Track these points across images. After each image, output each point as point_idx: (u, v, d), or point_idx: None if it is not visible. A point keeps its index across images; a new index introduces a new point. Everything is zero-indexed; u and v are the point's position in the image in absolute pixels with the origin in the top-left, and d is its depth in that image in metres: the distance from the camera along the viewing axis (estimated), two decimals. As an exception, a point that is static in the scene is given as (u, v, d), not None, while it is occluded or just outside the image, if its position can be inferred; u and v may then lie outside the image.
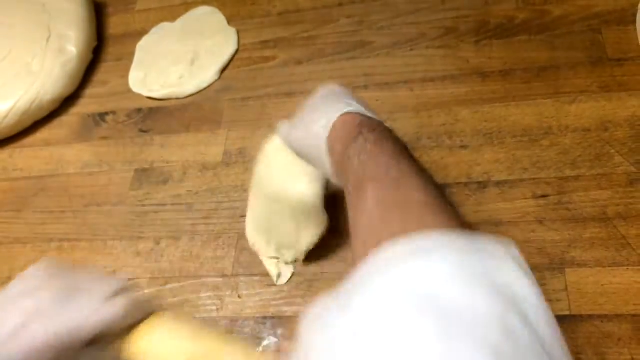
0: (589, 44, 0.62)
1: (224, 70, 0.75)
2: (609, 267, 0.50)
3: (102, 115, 0.77)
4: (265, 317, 0.56)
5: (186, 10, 0.83)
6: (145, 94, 0.76)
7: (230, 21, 0.80)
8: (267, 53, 0.75)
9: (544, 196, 0.54)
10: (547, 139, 0.58)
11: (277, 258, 0.57)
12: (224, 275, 0.59)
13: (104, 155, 0.73)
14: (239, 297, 0.57)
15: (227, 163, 0.67)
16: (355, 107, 0.44)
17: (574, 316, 0.48)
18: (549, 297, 0.49)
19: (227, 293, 0.58)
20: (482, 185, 0.57)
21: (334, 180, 0.45)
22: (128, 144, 0.72)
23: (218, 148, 0.68)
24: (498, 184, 0.56)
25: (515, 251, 0.28)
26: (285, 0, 0.78)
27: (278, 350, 0.54)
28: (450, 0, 0.71)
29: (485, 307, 0.24)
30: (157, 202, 0.66)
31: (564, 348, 0.25)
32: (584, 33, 0.63)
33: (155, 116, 0.74)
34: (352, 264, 0.31)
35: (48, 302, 0.37)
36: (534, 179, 0.56)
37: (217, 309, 0.57)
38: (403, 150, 0.40)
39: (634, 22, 0.62)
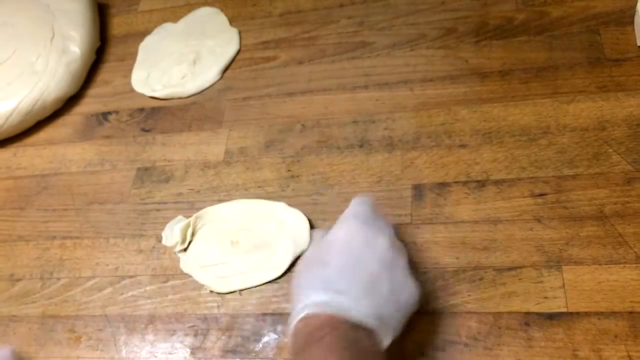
0: (587, 45, 0.63)
1: (225, 70, 0.76)
2: (606, 264, 0.50)
3: (105, 115, 0.77)
4: (265, 314, 0.56)
5: (189, 11, 0.84)
6: (148, 93, 0.77)
7: (232, 22, 0.80)
8: (268, 53, 0.75)
9: (541, 195, 0.55)
10: (545, 139, 0.58)
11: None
12: (224, 273, 0.60)
13: (106, 154, 0.73)
14: (239, 294, 0.58)
15: (228, 162, 0.67)
16: (329, 295, 0.44)
17: (570, 313, 0.49)
18: (546, 294, 0.50)
19: (228, 290, 0.59)
20: (481, 183, 0.57)
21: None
22: (130, 143, 0.73)
23: (219, 147, 0.69)
24: (496, 182, 0.57)
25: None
26: (287, 1, 0.79)
27: (278, 346, 0.54)
28: (450, 1, 0.72)
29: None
30: (158, 200, 0.67)
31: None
32: (582, 34, 0.64)
33: (158, 115, 0.75)
34: None
35: None
36: (532, 177, 0.56)
37: (218, 306, 0.58)
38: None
39: (631, 23, 0.62)
